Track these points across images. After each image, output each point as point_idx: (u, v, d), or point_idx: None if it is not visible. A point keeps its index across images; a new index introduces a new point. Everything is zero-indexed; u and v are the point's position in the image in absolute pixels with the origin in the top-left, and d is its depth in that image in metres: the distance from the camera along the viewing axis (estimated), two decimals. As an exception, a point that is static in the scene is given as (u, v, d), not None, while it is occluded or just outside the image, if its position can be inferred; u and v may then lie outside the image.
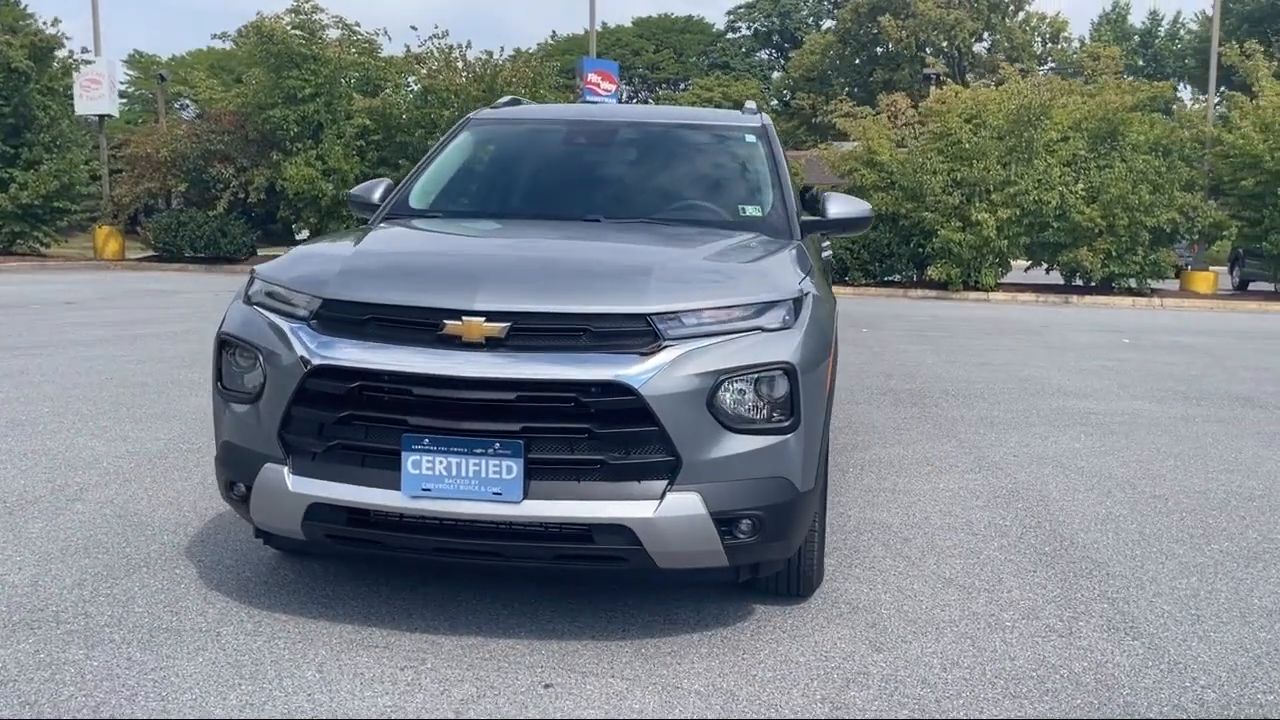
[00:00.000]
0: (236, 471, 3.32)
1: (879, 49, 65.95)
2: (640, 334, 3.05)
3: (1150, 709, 2.91)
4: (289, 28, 24.88)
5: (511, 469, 2.96)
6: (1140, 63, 68.82)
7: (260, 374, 3.24)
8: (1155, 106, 23.36)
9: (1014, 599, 3.76)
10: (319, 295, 3.21)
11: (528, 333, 3.03)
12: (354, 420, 3.08)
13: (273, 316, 3.28)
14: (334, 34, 25.80)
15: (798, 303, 3.28)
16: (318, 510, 3.12)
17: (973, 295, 21.67)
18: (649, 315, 3.06)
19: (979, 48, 64.57)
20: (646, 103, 57.87)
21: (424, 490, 3.00)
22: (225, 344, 3.38)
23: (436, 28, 25.94)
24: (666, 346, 3.02)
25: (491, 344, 3.01)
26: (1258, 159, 20.72)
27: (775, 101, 69.06)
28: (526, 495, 2.98)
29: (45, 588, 3.60)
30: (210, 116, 26.19)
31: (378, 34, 26.41)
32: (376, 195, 4.66)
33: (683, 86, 70.88)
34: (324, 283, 3.24)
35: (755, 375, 3.08)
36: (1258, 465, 6.16)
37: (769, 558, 3.30)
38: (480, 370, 2.97)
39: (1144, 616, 3.62)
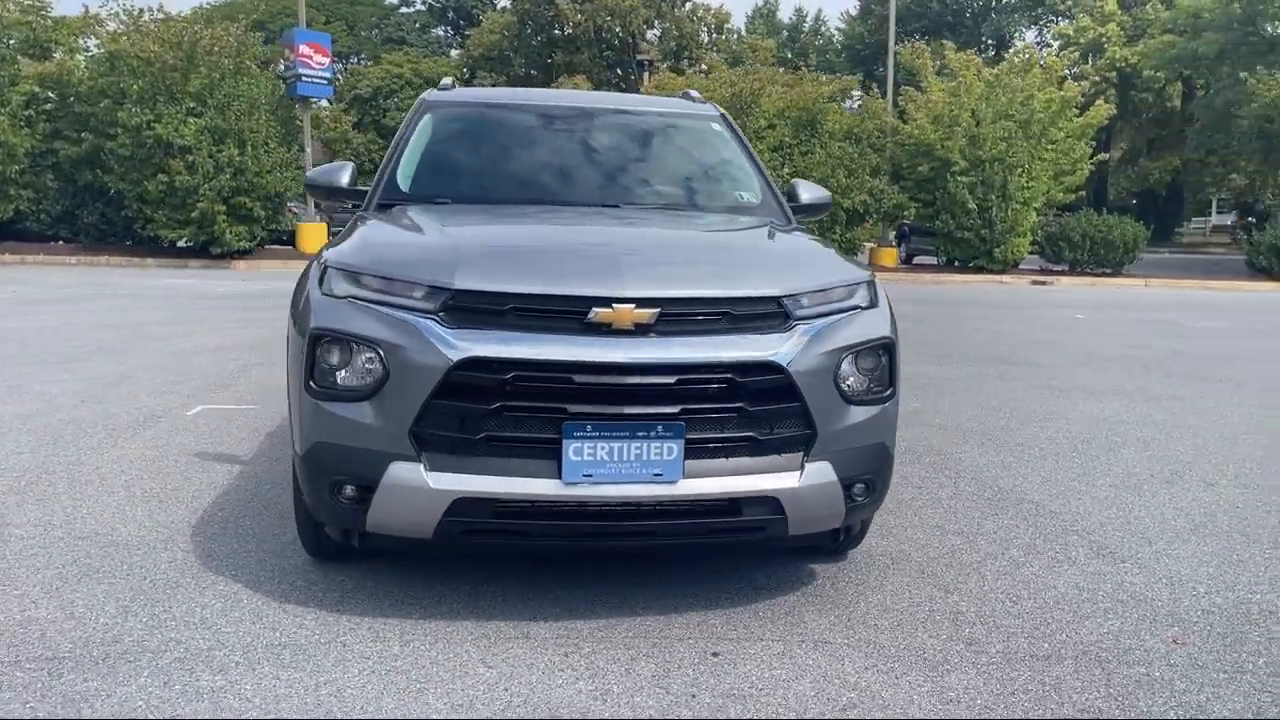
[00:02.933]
0: (347, 474, 3.14)
1: (557, 31, 67.11)
2: (774, 315, 3.23)
3: (1192, 614, 3.52)
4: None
5: (672, 450, 3.06)
6: (789, 55, 74.66)
7: (377, 370, 3.10)
8: (843, 98, 25.74)
9: (1006, 538, 4.30)
10: (447, 286, 3.10)
11: (674, 318, 3.12)
12: (505, 411, 3.03)
13: (385, 309, 3.13)
14: (-12, -13, 22.79)
15: (871, 283, 3.59)
16: (462, 505, 3.05)
17: (694, 272, 22.88)
18: (781, 297, 3.25)
19: (651, 35, 67.34)
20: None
21: (585, 476, 3.03)
22: (321, 340, 3.18)
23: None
24: (796, 326, 3.23)
25: (640, 330, 3.08)
26: (930, 148, 23.45)
27: (449, 81, 68.31)
28: (683, 474, 3.09)
29: (87, 620, 3.22)
30: None
31: (44, -10, 23.61)
32: (344, 179, 4.43)
33: (355, 60, 68.52)
34: (449, 273, 3.13)
35: (866, 350, 3.36)
36: (1065, 413, 7.22)
37: (866, 516, 3.61)
38: (643, 355, 3.03)
39: (1110, 543, 4.28)
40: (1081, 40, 43.18)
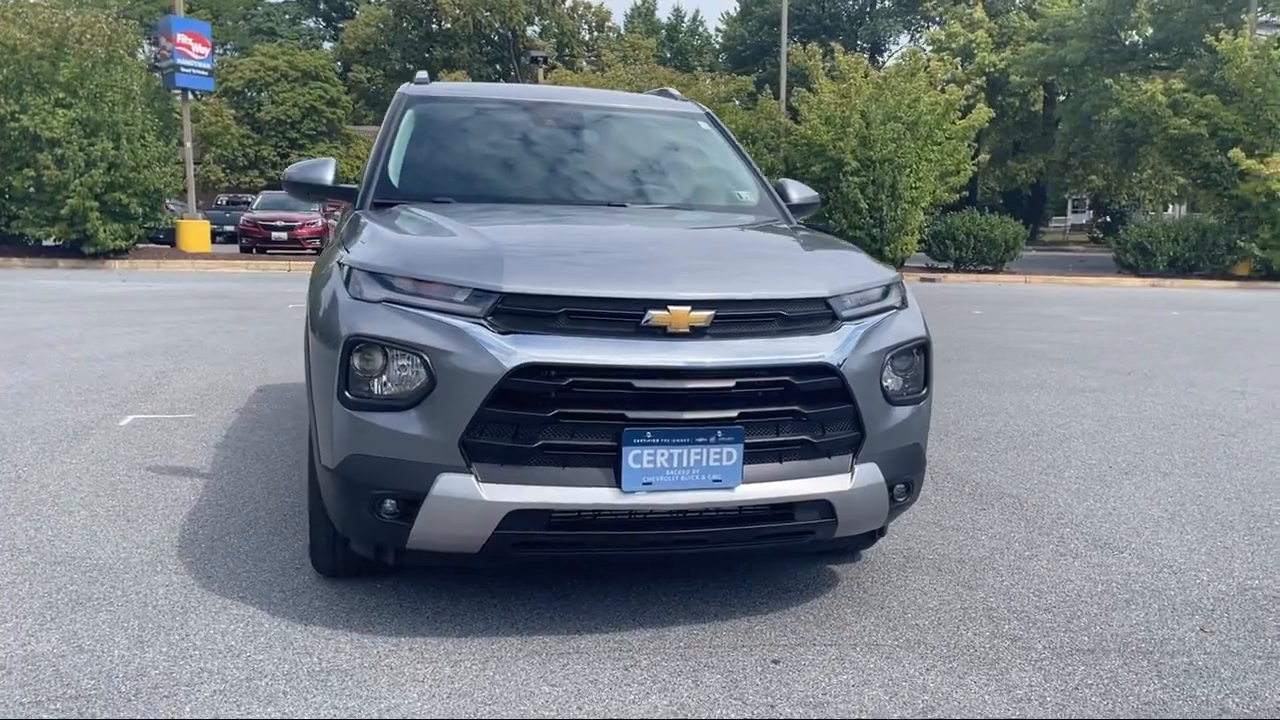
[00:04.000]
0: (389, 487, 2.97)
1: (435, 25, 66.05)
2: (822, 316, 3.20)
3: (1204, 602, 3.63)
4: None
5: (731, 455, 3.00)
6: (668, 54, 75.11)
7: (421, 377, 2.94)
8: (737, 98, 26.02)
9: (1004, 533, 4.38)
10: (495, 289, 2.96)
11: (728, 320, 3.05)
12: (562, 419, 2.92)
13: (426, 314, 2.97)
14: None
15: (901, 283, 3.60)
16: (517, 518, 2.92)
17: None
18: (829, 298, 3.22)
19: (531, 31, 66.91)
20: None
21: (644, 484, 2.94)
22: (356, 347, 2.99)
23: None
24: (843, 327, 3.20)
25: (695, 332, 3.01)
26: (823, 148, 23.92)
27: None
28: (741, 479, 3.02)
29: (99, 652, 2.97)
30: None
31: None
32: (328, 177, 4.23)
33: (222, 52, 65.99)
34: (496, 275, 2.99)
35: (904, 350, 3.35)
36: (1002, 407, 7.43)
37: (899, 515, 3.61)
38: (705, 359, 2.96)
39: (1102, 534, 4.40)
40: (953, 46, 44.71)
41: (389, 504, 2.99)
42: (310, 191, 4.25)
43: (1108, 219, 50.40)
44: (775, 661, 3.05)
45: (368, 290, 3.09)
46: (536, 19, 66.20)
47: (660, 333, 2.98)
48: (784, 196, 4.66)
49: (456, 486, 2.91)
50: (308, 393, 3.39)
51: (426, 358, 2.93)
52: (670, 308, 2.98)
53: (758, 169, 4.67)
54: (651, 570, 3.70)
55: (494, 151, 4.39)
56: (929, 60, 26.13)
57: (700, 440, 2.97)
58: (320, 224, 26.85)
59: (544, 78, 24.40)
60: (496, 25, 65.54)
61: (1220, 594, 3.73)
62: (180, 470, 5.06)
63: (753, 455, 3.04)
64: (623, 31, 73.34)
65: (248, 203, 36.78)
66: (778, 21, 58.10)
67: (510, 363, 2.87)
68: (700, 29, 79.55)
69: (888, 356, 3.27)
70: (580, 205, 4.15)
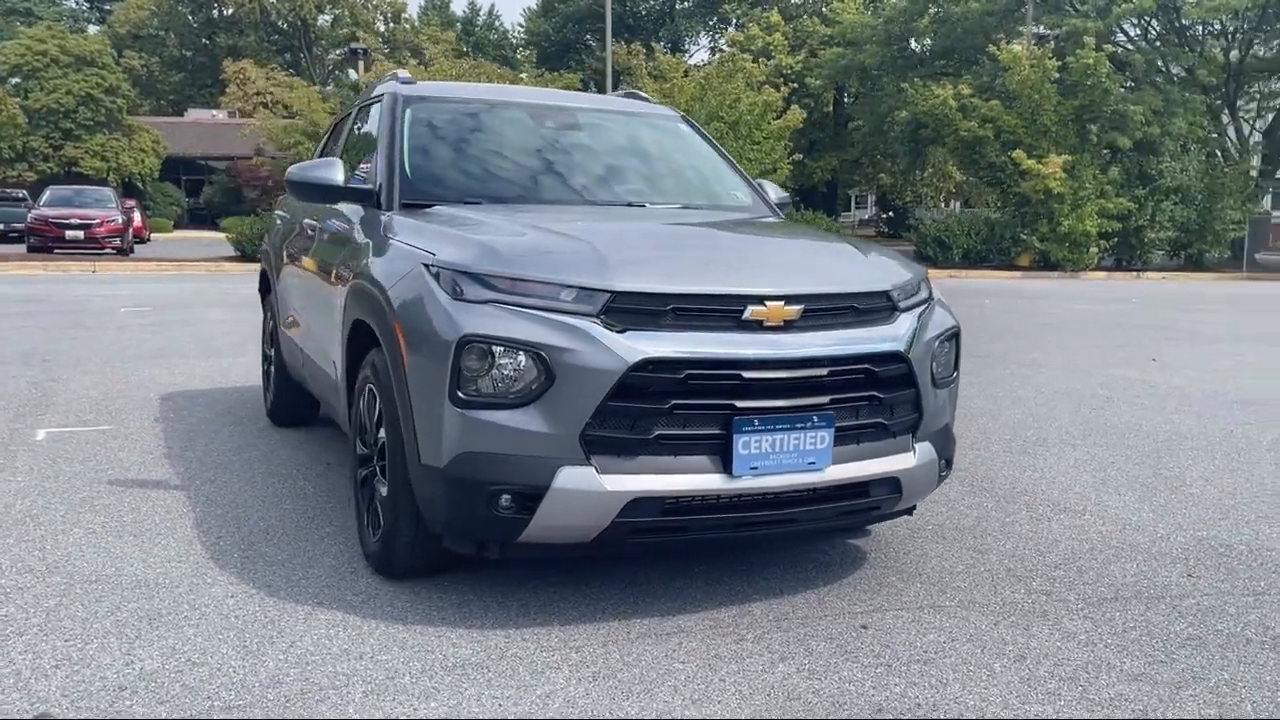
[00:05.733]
0: (508, 482, 3.03)
1: (217, 10, 62.84)
2: (885, 309, 3.48)
3: (1174, 551, 4.15)
4: None
5: (824, 438, 3.23)
6: (465, 48, 74.03)
7: (538, 374, 3.02)
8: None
9: (978, 504, 4.80)
10: (606, 288, 3.07)
11: (814, 313, 3.29)
12: (676, 410, 3.06)
13: (538, 313, 3.05)
14: None
15: (928, 279, 3.92)
16: (636, 506, 3.05)
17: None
18: (889, 291, 3.50)
19: (322, 20, 64.66)
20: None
21: (751, 469, 3.13)
22: (469, 347, 3.03)
23: None
24: (902, 318, 3.50)
25: (787, 325, 3.22)
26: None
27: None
28: (831, 461, 3.27)
29: (219, 666, 2.89)
30: None
31: None
32: (339, 178, 4.15)
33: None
34: (603, 275, 3.10)
35: (944, 338, 3.68)
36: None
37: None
38: (806, 350, 3.18)
39: (1058, 500, 4.90)
40: (752, 48, 46.40)
41: (505, 499, 3.06)
42: (324, 194, 4.17)
43: (891, 214, 53.72)
44: (864, 627, 3.31)
45: (469, 291, 3.13)
46: (328, 7, 63.98)
47: (758, 326, 3.18)
48: (764, 196, 4.93)
49: (579, 479, 3.01)
50: (399, 393, 3.34)
51: (545, 355, 3.01)
52: (767, 303, 3.19)
53: (740, 168, 4.92)
54: (694, 555, 3.88)
55: (508, 153, 4.43)
56: (745, 63, 27.08)
57: (799, 425, 3.19)
58: (120, 222, 25.11)
59: (364, 71, 23.79)
60: (285, 13, 62.98)
61: (1184, 545, 4.26)
62: (148, 483, 4.83)
63: (838, 438, 3.29)
64: (417, 23, 71.80)
65: (17, 199, 33.89)
66: (582, 18, 58.67)
67: (632, 358, 3.00)
68: (497, 23, 78.96)
69: (934, 343, 3.59)
70: (603, 205, 4.27)
